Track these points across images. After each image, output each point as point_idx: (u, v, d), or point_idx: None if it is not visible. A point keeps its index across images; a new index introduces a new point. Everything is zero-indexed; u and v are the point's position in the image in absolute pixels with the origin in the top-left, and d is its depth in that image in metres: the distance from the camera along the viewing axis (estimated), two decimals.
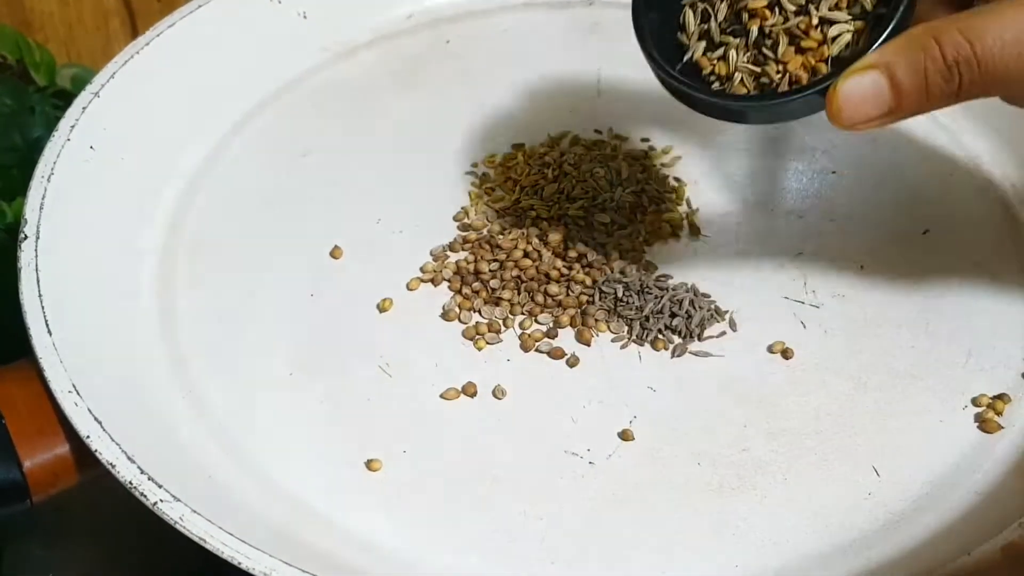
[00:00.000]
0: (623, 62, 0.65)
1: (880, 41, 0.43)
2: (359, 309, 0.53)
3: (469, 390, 0.50)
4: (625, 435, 0.49)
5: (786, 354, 0.51)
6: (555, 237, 0.55)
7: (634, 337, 0.52)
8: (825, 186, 0.59)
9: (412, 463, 0.48)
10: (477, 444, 0.48)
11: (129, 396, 0.48)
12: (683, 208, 0.58)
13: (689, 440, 0.49)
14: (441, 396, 0.50)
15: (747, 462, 0.48)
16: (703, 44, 0.48)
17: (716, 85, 0.47)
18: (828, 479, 0.47)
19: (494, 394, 0.50)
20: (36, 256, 0.50)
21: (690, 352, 0.51)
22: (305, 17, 0.66)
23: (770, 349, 0.52)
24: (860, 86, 0.43)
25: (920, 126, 0.62)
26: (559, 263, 0.54)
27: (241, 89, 0.63)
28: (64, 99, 0.72)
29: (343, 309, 0.53)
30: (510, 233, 0.55)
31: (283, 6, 0.66)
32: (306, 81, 0.65)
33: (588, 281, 0.53)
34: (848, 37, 0.45)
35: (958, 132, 0.62)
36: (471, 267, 0.54)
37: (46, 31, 0.75)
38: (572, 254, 0.54)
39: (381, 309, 0.53)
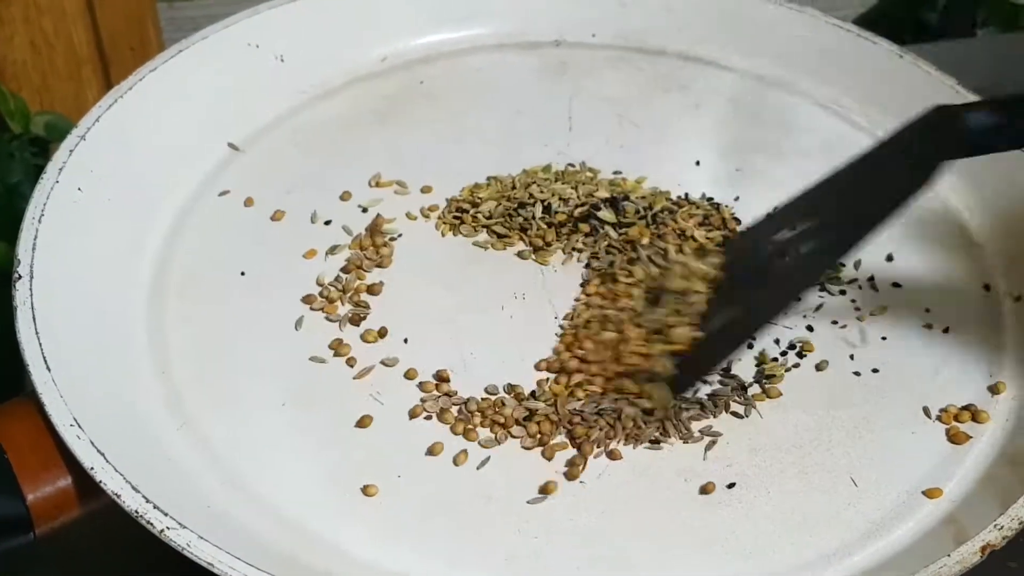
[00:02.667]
0: (593, 98, 0.69)
1: None
2: (347, 342, 0.54)
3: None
4: (613, 455, 0.50)
5: (763, 373, 0.53)
6: None
7: None
8: None
9: (408, 487, 0.49)
10: (469, 470, 0.50)
11: (128, 428, 0.49)
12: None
13: (675, 457, 0.50)
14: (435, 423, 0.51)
15: (731, 477, 0.49)
16: None
17: None
18: (809, 491, 0.49)
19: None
20: (31, 295, 0.50)
21: None
22: (282, 60, 0.68)
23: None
24: None
25: None
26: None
27: (223, 130, 0.64)
28: (39, 146, 0.73)
29: (332, 340, 0.54)
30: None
31: (260, 50, 0.67)
32: (285, 122, 0.66)
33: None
34: None
35: None
36: None
37: (19, 79, 0.76)
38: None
39: (366, 340, 0.54)
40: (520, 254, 0.59)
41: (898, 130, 0.45)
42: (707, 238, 0.58)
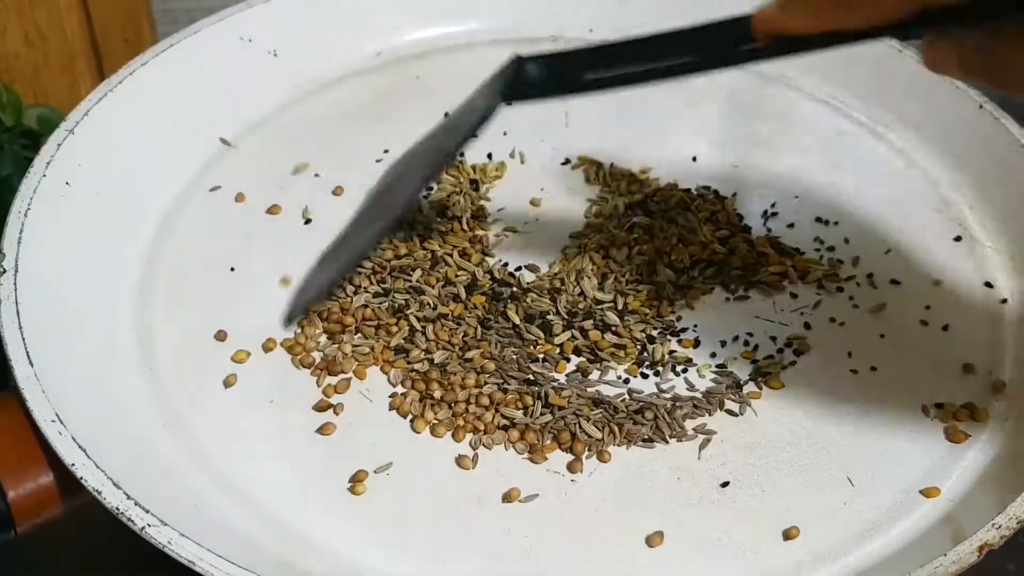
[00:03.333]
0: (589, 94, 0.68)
1: None
2: (336, 338, 0.54)
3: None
4: (603, 456, 0.49)
5: (759, 371, 0.53)
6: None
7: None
8: (788, 211, 0.61)
9: (396, 485, 0.48)
10: (459, 465, 0.49)
11: (111, 424, 0.48)
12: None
13: (668, 456, 0.49)
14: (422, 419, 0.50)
15: (725, 476, 0.49)
16: None
17: None
18: (804, 490, 0.48)
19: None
20: (15, 289, 0.50)
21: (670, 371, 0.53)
22: (276, 55, 0.67)
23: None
24: None
25: (877, 152, 0.65)
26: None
27: (214, 125, 0.64)
28: (31, 139, 0.72)
29: (320, 339, 0.54)
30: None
31: (254, 44, 0.67)
32: (278, 117, 0.66)
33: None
34: None
35: (915, 155, 0.64)
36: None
37: (12, 72, 0.75)
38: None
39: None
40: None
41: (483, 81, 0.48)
42: (715, 235, 0.58)
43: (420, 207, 0.60)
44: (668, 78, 0.44)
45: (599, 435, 0.49)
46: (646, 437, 0.50)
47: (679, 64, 0.44)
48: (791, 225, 0.60)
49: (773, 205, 0.61)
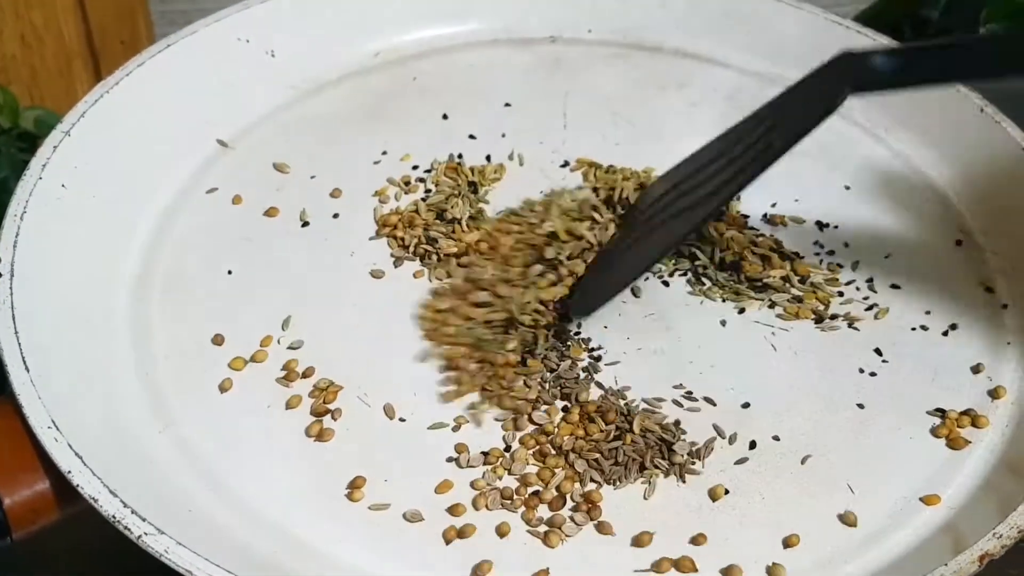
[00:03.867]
0: (588, 95, 0.68)
1: None
2: (335, 340, 0.53)
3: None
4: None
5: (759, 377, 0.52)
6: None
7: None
8: (788, 214, 0.60)
9: (394, 491, 0.48)
10: (455, 472, 0.49)
11: (108, 431, 0.48)
12: None
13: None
14: (421, 425, 0.50)
15: (725, 483, 0.48)
16: None
17: None
18: (804, 497, 0.48)
19: (476, 420, 0.50)
20: (11, 293, 0.49)
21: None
22: (273, 55, 0.67)
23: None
24: None
25: (877, 155, 0.64)
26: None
27: (211, 127, 0.63)
28: (28, 141, 0.72)
29: (319, 341, 0.53)
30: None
31: (251, 45, 0.66)
32: (276, 118, 0.65)
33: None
34: None
35: (916, 159, 0.64)
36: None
37: (8, 74, 0.75)
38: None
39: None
40: None
41: (806, 75, 0.49)
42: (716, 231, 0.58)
43: (418, 209, 0.60)
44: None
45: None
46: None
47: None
48: (790, 229, 0.60)
49: (774, 205, 0.61)
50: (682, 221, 0.52)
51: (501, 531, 0.47)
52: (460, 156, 0.63)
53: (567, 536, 0.47)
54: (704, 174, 0.53)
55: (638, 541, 0.46)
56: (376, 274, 0.57)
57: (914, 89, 0.48)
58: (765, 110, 0.52)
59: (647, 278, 0.56)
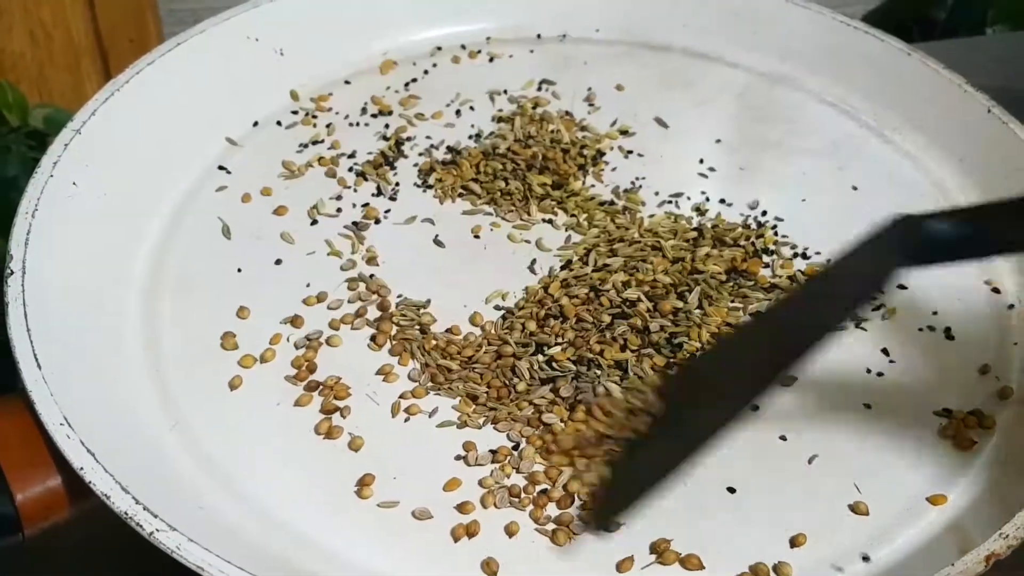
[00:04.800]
0: (597, 94, 0.68)
1: None
2: (344, 339, 0.54)
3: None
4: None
5: None
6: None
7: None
8: (795, 213, 0.61)
9: (403, 489, 0.48)
10: (463, 470, 0.49)
11: (120, 428, 0.48)
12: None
13: None
14: (431, 422, 0.50)
15: (731, 482, 0.49)
16: None
17: None
18: (810, 497, 0.48)
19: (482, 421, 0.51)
20: (23, 291, 0.50)
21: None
22: (282, 54, 0.67)
23: None
24: None
25: (884, 155, 0.65)
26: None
27: (221, 124, 0.63)
28: (37, 139, 0.73)
29: (327, 338, 0.54)
30: None
31: (260, 44, 0.67)
32: (284, 116, 0.66)
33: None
34: None
35: (923, 159, 0.64)
36: None
37: (17, 71, 0.75)
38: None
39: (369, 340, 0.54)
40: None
41: (860, 240, 0.43)
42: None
43: None
44: None
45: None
46: None
47: None
48: (797, 228, 0.60)
49: (804, 200, 0.61)
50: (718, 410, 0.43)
51: (510, 529, 0.47)
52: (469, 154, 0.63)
53: (575, 534, 0.47)
54: (743, 356, 0.45)
55: (645, 539, 0.47)
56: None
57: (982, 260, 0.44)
58: (816, 285, 0.47)
59: None
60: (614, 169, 0.63)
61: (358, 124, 0.66)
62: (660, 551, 0.46)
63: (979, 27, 0.92)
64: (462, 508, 0.47)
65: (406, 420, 0.51)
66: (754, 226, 0.60)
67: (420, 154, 0.64)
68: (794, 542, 0.47)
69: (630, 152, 0.64)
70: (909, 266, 0.41)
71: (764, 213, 0.61)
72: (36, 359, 0.47)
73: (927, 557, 0.45)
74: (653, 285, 0.55)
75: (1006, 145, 0.61)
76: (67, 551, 0.52)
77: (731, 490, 0.48)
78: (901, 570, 0.45)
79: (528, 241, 0.59)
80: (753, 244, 0.58)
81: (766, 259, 0.58)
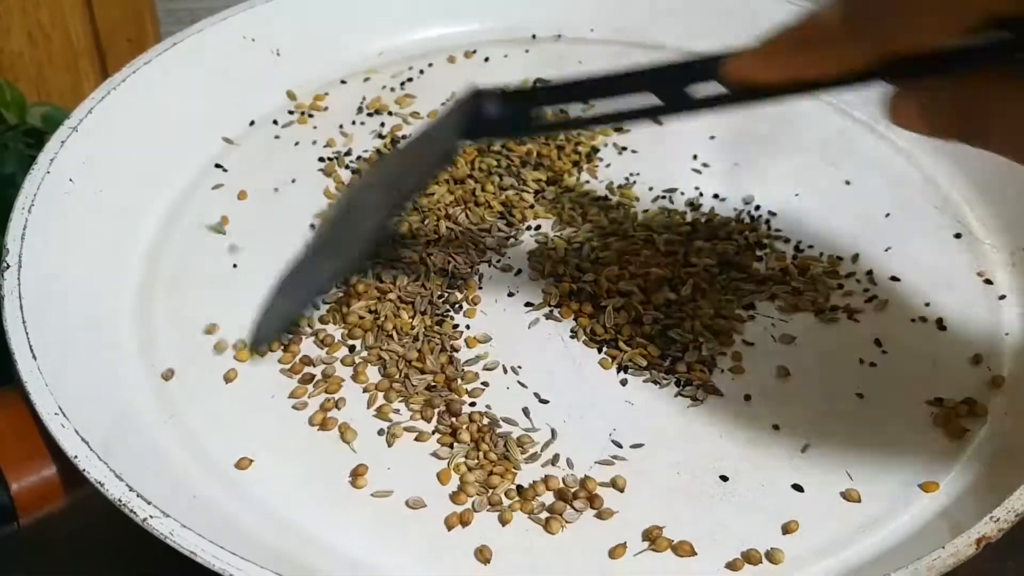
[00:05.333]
0: None
1: None
2: (337, 334, 0.54)
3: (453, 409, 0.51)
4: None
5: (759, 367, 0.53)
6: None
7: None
8: (788, 208, 0.61)
9: (396, 479, 0.48)
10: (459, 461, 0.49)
11: (114, 419, 0.48)
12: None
13: (666, 450, 0.50)
14: (424, 415, 0.51)
15: (724, 470, 0.49)
16: None
17: None
18: (803, 484, 0.48)
19: (474, 415, 0.51)
20: (19, 284, 0.50)
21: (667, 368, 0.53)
22: (278, 54, 0.68)
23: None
24: None
25: (877, 150, 0.65)
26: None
27: (217, 123, 0.64)
28: (35, 137, 0.73)
29: (323, 334, 0.54)
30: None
31: (256, 43, 0.67)
32: (280, 116, 0.66)
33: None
34: None
35: (915, 154, 0.64)
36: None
37: (16, 70, 0.76)
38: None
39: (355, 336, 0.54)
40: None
41: (438, 117, 0.46)
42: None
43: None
44: (627, 120, 0.43)
45: None
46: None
47: (640, 110, 0.43)
48: (790, 222, 0.60)
49: (796, 195, 0.61)
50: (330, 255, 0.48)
51: (503, 518, 0.47)
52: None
53: (567, 523, 0.47)
54: (349, 208, 0.50)
55: (637, 527, 0.47)
56: None
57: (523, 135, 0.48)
58: (410, 145, 0.50)
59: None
60: (608, 165, 0.64)
61: (354, 123, 0.66)
62: (652, 538, 0.46)
63: None
64: (455, 498, 0.48)
65: (400, 411, 0.51)
66: (747, 220, 0.60)
67: None
68: (786, 529, 0.47)
69: (624, 148, 0.65)
70: (471, 139, 0.45)
71: (757, 208, 0.61)
72: (31, 350, 0.47)
73: (919, 542, 0.45)
74: (646, 277, 0.56)
75: None
76: (62, 544, 0.52)
77: (723, 478, 0.48)
78: (893, 555, 0.45)
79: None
80: (746, 238, 0.59)
81: (759, 252, 0.58)
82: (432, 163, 0.46)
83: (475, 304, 0.55)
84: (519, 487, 0.48)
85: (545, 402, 0.51)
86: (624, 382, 0.52)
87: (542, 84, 0.45)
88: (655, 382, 0.52)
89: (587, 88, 0.43)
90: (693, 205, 0.61)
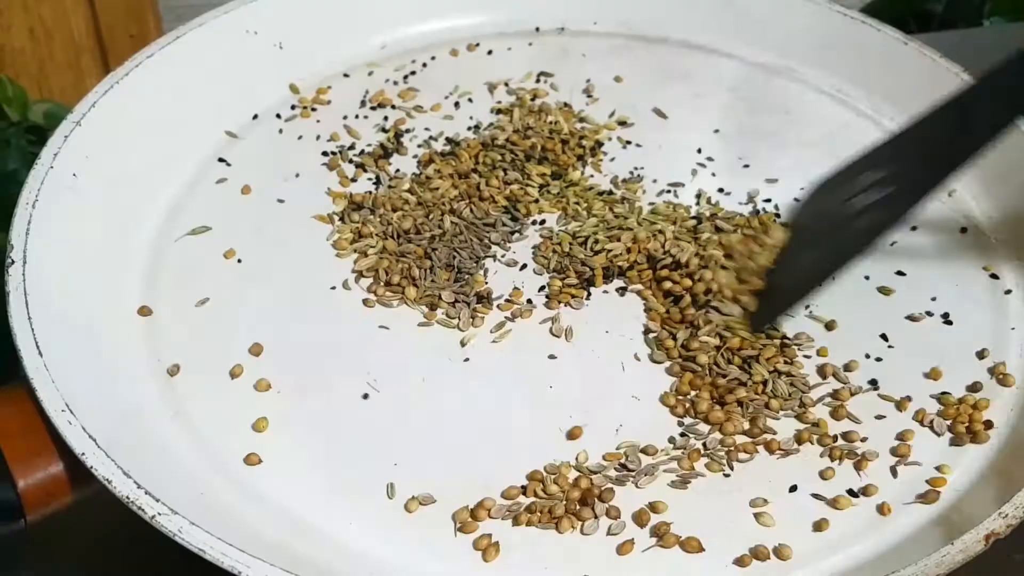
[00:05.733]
0: (594, 87, 0.68)
1: None
2: (344, 328, 0.54)
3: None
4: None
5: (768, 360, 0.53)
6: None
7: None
8: (798, 200, 0.61)
9: (404, 474, 0.48)
10: (465, 456, 0.49)
11: (121, 414, 0.48)
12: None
13: (673, 446, 0.50)
14: (430, 410, 0.51)
15: (730, 466, 0.49)
16: None
17: None
18: (810, 480, 0.48)
19: (481, 409, 0.51)
20: (24, 280, 0.50)
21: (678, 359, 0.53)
22: (281, 48, 0.67)
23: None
24: None
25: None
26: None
27: (220, 117, 0.64)
28: (37, 135, 0.73)
29: (328, 328, 0.54)
30: None
31: (259, 37, 0.67)
32: (283, 109, 0.66)
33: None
34: None
35: None
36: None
37: (17, 67, 0.75)
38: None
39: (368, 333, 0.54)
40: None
41: (985, 74, 0.46)
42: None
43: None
44: None
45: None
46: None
47: None
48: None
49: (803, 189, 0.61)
50: (867, 227, 0.51)
51: (512, 515, 0.47)
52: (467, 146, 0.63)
53: (576, 520, 0.47)
54: (880, 179, 0.51)
55: (645, 523, 0.47)
56: None
57: None
58: (946, 111, 0.50)
59: None
60: (612, 159, 0.64)
61: (357, 116, 0.66)
62: (660, 534, 0.46)
63: (976, 20, 0.92)
64: (463, 491, 0.47)
65: (406, 407, 0.51)
66: (752, 214, 0.60)
67: (419, 146, 0.64)
68: (794, 525, 0.47)
69: (628, 143, 0.65)
70: None
71: (766, 201, 0.61)
72: (37, 346, 0.47)
73: (927, 538, 0.45)
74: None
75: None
76: (69, 542, 0.52)
77: (726, 474, 0.48)
78: (902, 550, 0.45)
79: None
80: (752, 230, 0.58)
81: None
82: (978, 143, 0.46)
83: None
84: (526, 484, 0.48)
85: (551, 397, 0.51)
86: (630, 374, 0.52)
87: None
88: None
89: None
90: (698, 199, 0.61)
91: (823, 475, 0.49)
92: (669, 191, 0.62)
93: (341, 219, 0.59)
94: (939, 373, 0.52)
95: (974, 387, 0.52)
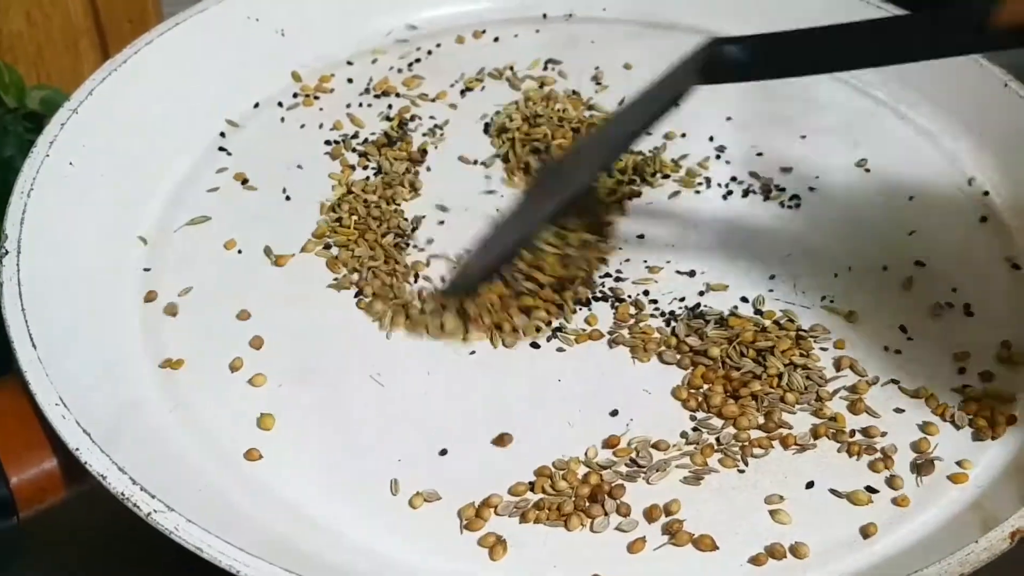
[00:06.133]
0: (604, 73, 0.67)
1: None
2: (348, 321, 0.53)
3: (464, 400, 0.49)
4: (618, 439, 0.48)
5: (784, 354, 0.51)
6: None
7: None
8: (813, 189, 0.59)
9: (408, 470, 0.47)
10: (471, 451, 0.48)
11: (117, 409, 0.47)
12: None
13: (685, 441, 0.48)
14: (435, 404, 0.49)
15: (745, 463, 0.47)
16: None
17: None
18: (829, 476, 0.47)
19: (487, 403, 0.49)
20: (18, 270, 0.49)
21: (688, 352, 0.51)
22: (283, 35, 0.66)
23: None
24: None
25: (900, 132, 0.63)
26: None
27: (220, 105, 0.62)
28: (34, 121, 0.71)
29: (331, 321, 0.53)
30: None
31: (260, 24, 0.66)
32: (285, 97, 0.64)
33: None
34: None
35: (939, 135, 0.63)
36: None
37: (14, 52, 0.74)
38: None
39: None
40: None
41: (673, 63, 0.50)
42: None
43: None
44: (882, 63, 0.46)
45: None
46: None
47: (902, 49, 0.44)
48: (812, 208, 0.58)
49: (817, 177, 0.60)
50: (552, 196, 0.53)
51: (521, 512, 0.46)
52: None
53: (589, 518, 0.45)
54: (570, 155, 0.56)
55: (656, 520, 0.45)
56: None
57: (767, 79, 0.49)
58: (640, 94, 0.53)
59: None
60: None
61: (361, 105, 0.65)
62: (672, 532, 0.45)
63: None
64: (470, 486, 0.46)
65: (410, 401, 0.49)
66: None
67: (424, 134, 0.63)
68: (811, 522, 0.45)
69: None
70: (706, 83, 0.47)
71: (780, 190, 0.59)
72: (31, 339, 0.46)
73: (950, 535, 0.44)
74: None
75: (1022, 119, 0.60)
76: (66, 538, 0.51)
77: (741, 471, 0.47)
78: (924, 547, 0.44)
79: None
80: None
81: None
82: (660, 105, 0.49)
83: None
84: (534, 480, 0.46)
85: (559, 391, 0.50)
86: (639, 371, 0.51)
87: (793, 31, 0.46)
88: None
89: (845, 35, 0.45)
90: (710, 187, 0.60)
91: (841, 471, 0.47)
92: (680, 180, 0.60)
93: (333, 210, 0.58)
94: (960, 366, 0.51)
95: (997, 380, 0.50)
